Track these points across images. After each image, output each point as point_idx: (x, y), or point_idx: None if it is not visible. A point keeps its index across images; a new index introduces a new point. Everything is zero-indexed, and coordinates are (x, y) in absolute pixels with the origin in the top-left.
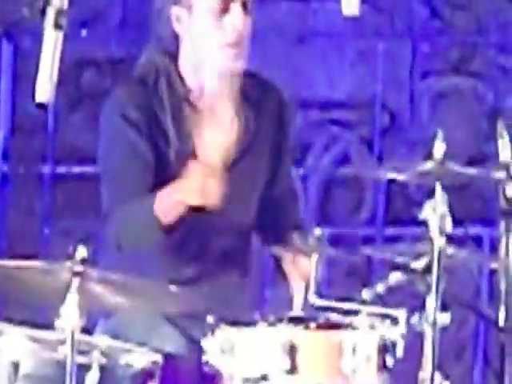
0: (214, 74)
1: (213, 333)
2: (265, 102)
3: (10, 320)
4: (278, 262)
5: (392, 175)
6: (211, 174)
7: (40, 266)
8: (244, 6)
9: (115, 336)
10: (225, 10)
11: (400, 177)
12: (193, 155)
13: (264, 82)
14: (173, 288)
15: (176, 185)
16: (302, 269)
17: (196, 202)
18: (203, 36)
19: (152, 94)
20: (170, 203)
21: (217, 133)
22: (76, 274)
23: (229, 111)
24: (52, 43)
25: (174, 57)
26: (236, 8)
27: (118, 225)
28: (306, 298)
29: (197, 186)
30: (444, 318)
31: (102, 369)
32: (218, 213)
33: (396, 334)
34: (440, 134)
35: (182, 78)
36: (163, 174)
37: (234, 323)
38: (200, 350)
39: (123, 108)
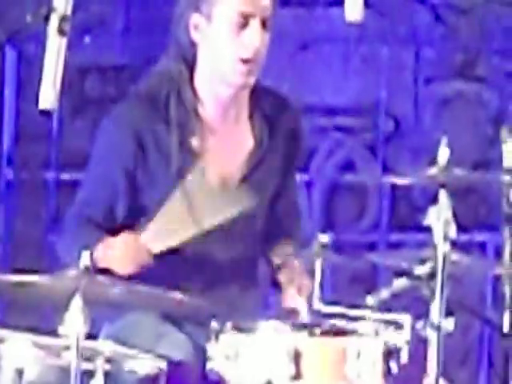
0: (226, 85)
1: (217, 338)
2: (279, 117)
3: (13, 327)
4: (274, 271)
5: (396, 181)
6: (135, 245)
7: (43, 280)
8: (263, 22)
9: (120, 340)
10: (244, 24)
11: (404, 182)
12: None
13: (279, 97)
14: (178, 295)
15: (107, 245)
16: (297, 286)
17: (118, 270)
18: (219, 47)
19: (159, 111)
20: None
21: (227, 148)
22: (80, 280)
23: (242, 127)
24: (55, 50)
25: (190, 64)
26: (255, 24)
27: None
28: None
29: (119, 256)
30: (448, 324)
31: (107, 375)
32: (226, 226)
33: (400, 339)
34: (444, 140)
35: (194, 89)
36: (162, 191)
37: (239, 329)
38: (205, 356)
39: (118, 136)
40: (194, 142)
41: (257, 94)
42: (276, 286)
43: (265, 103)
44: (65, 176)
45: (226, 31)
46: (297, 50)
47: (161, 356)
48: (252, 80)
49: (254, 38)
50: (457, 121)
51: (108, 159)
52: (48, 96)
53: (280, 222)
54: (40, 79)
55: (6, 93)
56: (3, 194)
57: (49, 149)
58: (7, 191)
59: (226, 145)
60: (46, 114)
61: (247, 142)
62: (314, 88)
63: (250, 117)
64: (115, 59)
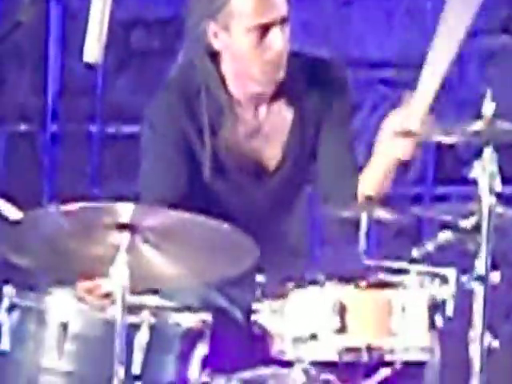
0: (255, 83)
1: (263, 293)
2: (312, 90)
3: (59, 281)
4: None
5: (441, 135)
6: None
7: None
8: (282, 20)
9: (163, 298)
10: (264, 31)
11: (449, 138)
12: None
13: (313, 63)
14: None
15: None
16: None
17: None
18: (244, 55)
19: (191, 108)
20: None
21: (260, 142)
22: (124, 227)
23: (271, 118)
24: (101, 3)
25: (216, 57)
26: (275, 30)
27: None
28: None
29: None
30: (493, 277)
31: (152, 328)
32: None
33: (446, 293)
34: (489, 94)
35: (224, 82)
36: (199, 183)
37: (285, 284)
38: (250, 313)
39: (157, 123)
40: (227, 139)
41: (290, 72)
42: None
43: (300, 76)
44: (109, 129)
45: (248, 42)
46: (342, 4)
47: (206, 309)
48: (281, 74)
49: (277, 44)
50: (501, 75)
51: (158, 147)
52: (93, 50)
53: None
54: (85, 33)
55: (51, 47)
56: (48, 148)
57: (93, 102)
58: (52, 145)
59: (259, 140)
60: (91, 67)
61: (280, 134)
62: (359, 42)
63: (288, 97)
64: (160, 13)
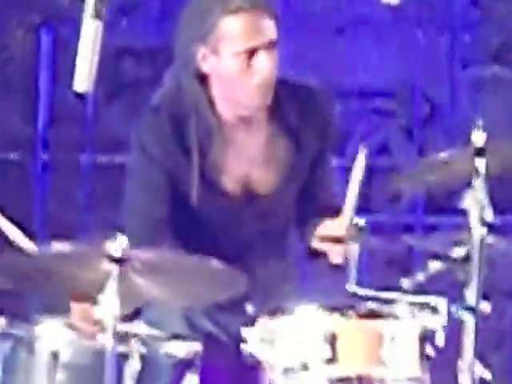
0: (242, 108)
1: (253, 323)
2: (306, 121)
3: (49, 309)
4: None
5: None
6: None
7: (76, 249)
8: (270, 44)
9: (154, 327)
10: (252, 55)
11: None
12: (217, 189)
13: (305, 93)
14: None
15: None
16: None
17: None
18: (231, 79)
19: (180, 130)
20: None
21: (250, 165)
22: (115, 261)
23: (263, 143)
24: (91, 33)
25: (204, 80)
26: (262, 54)
27: None
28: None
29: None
30: (484, 307)
31: (142, 358)
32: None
33: (436, 323)
34: (479, 123)
35: (213, 104)
36: (187, 206)
37: (274, 313)
38: (239, 341)
39: (146, 144)
40: (215, 160)
41: (279, 97)
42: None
43: (288, 109)
44: (99, 159)
45: (236, 66)
46: (334, 33)
47: (195, 339)
48: (268, 99)
49: (263, 67)
50: (492, 104)
51: (143, 164)
52: (83, 79)
53: (313, 203)
54: (75, 63)
55: (42, 76)
56: (38, 177)
57: (84, 132)
58: (42, 174)
59: (247, 163)
60: (81, 97)
61: (270, 158)
62: (351, 71)
63: (282, 124)
64: (151, 42)
